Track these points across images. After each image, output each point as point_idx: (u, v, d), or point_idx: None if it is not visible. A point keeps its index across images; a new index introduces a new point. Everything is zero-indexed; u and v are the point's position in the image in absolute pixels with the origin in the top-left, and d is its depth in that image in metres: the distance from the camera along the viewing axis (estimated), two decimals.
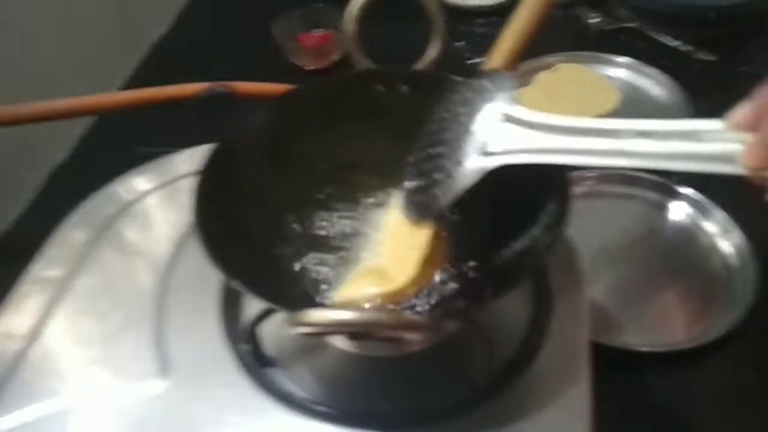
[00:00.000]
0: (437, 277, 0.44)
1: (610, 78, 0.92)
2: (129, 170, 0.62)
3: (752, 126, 0.32)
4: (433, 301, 0.43)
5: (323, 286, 0.46)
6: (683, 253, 0.69)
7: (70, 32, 0.87)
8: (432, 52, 0.53)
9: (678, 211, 0.73)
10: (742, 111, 0.32)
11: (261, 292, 0.38)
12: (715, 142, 0.33)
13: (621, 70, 0.93)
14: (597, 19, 1.04)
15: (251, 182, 0.50)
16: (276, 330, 0.45)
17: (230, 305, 0.49)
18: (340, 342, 0.46)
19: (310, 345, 0.47)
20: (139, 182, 0.60)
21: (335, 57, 0.97)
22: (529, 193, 0.44)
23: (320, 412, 0.44)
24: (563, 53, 0.94)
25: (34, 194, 0.82)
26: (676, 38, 0.98)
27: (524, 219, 0.43)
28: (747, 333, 0.61)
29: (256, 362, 0.46)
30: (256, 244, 0.47)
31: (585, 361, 0.46)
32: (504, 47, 0.46)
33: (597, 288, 0.66)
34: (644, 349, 0.60)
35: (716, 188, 0.72)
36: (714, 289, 0.65)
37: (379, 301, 0.41)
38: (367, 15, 0.62)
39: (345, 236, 0.49)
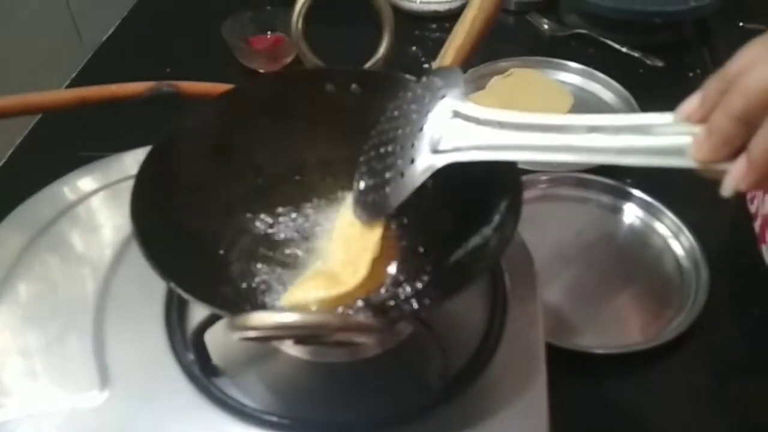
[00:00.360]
0: (388, 279, 0.43)
1: (562, 83, 0.93)
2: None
3: (701, 118, 0.31)
4: (383, 303, 0.41)
5: (269, 290, 0.44)
6: (637, 255, 0.69)
7: (13, 32, 0.83)
8: (382, 50, 0.52)
9: (631, 214, 0.73)
10: (691, 103, 0.32)
11: (199, 295, 0.36)
12: (666, 135, 0.32)
13: (573, 76, 0.94)
14: (548, 25, 1.05)
15: (193, 182, 0.47)
16: (223, 338, 0.43)
17: (175, 313, 0.47)
18: (290, 348, 0.44)
19: (260, 353, 0.45)
20: (83, 182, 0.58)
21: (287, 60, 0.95)
22: (480, 193, 0.43)
23: (271, 422, 0.42)
24: (516, 58, 0.95)
25: None
26: (625, 44, 0.99)
27: (476, 219, 0.42)
28: (700, 333, 0.61)
29: (202, 372, 0.44)
30: (198, 246, 0.45)
31: (541, 363, 0.45)
32: (454, 45, 0.45)
33: (552, 290, 0.66)
34: (599, 351, 0.60)
35: (667, 191, 0.73)
36: (667, 290, 0.66)
37: (328, 304, 0.40)
38: (315, 14, 0.60)
39: (293, 238, 0.48)
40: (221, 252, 0.46)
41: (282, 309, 0.38)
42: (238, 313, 0.32)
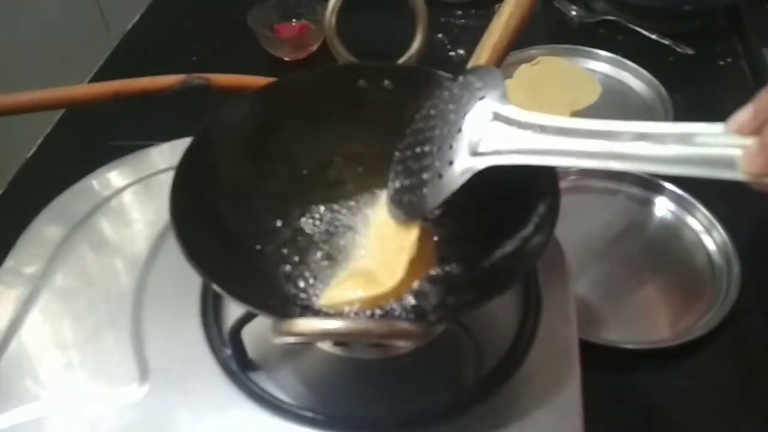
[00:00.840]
0: (426, 280, 0.43)
1: (591, 71, 0.92)
2: (101, 164, 0.60)
3: (754, 130, 0.31)
4: (421, 305, 0.41)
5: (307, 288, 0.44)
6: (667, 249, 0.69)
7: (42, 22, 0.84)
8: (416, 45, 0.52)
9: (662, 207, 0.73)
10: (743, 114, 0.31)
11: (245, 299, 0.36)
12: (716, 146, 0.32)
13: (602, 64, 0.93)
14: (577, 12, 1.04)
15: (231, 179, 0.48)
16: (259, 332, 0.44)
17: (211, 307, 0.48)
18: (325, 345, 0.44)
19: (295, 348, 0.46)
20: (114, 177, 0.58)
21: (313, 48, 0.95)
22: (517, 194, 0.43)
23: (306, 417, 0.42)
24: (544, 46, 0.94)
25: (3, 189, 0.79)
26: (654, 31, 0.98)
27: (513, 220, 0.42)
28: (731, 328, 0.61)
29: (239, 367, 0.44)
30: (236, 243, 0.45)
31: (575, 361, 0.45)
32: (490, 42, 0.45)
33: (581, 283, 0.65)
34: (629, 346, 0.60)
35: (698, 184, 0.72)
36: (698, 284, 0.66)
37: (366, 304, 0.40)
38: (346, 6, 0.60)
39: (329, 236, 0.47)
40: (258, 248, 0.46)
41: (326, 315, 0.38)
42: (283, 317, 0.33)
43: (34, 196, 0.59)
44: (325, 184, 0.50)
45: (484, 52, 0.45)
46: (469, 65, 0.46)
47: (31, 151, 0.84)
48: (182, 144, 0.59)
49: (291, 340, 0.33)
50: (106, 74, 0.95)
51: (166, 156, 0.60)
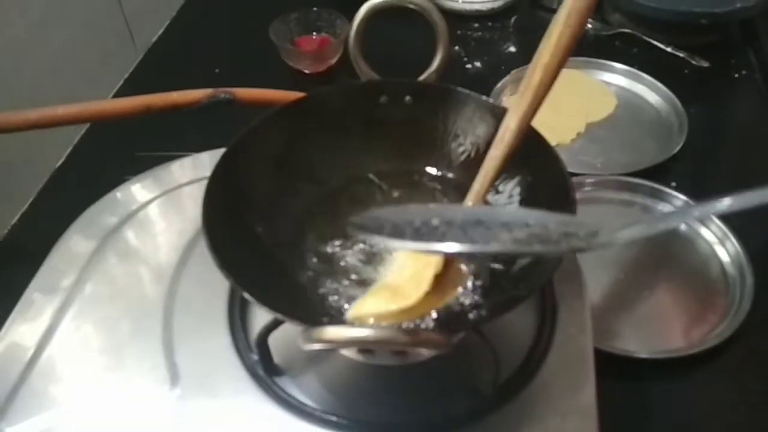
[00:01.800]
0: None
1: (606, 83, 0.93)
2: (128, 175, 0.62)
3: None
4: (445, 317, 0.43)
5: (334, 299, 0.46)
6: (681, 260, 0.70)
7: (66, 34, 0.86)
8: (436, 63, 0.54)
9: None
10: None
11: (276, 307, 0.38)
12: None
13: (617, 76, 0.94)
14: (593, 24, 1.05)
15: (259, 191, 0.50)
16: (284, 338, 0.46)
17: (237, 313, 0.50)
18: (349, 352, 0.46)
19: (319, 355, 0.47)
20: (139, 191, 0.61)
21: (333, 61, 0.97)
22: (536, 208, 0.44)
23: (329, 421, 0.44)
24: None
25: (33, 198, 0.81)
26: (670, 44, 0.99)
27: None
28: (745, 339, 0.62)
29: (265, 371, 0.46)
30: (266, 254, 0.47)
31: (590, 370, 0.47)
32: (542, 63, 0.45)
33: (596, 294, 0.67)
34: (643, 355, 0.61)
35: (711, 195, 0.73)
36: (712, 295, 0.66)
37: (393, 317, 0.41)
38: (368, 23, 0.62)
39: (357, 251, 0.49)
40: (285, 260, 0.48)
41: (353, 324, 0.40)
42: (312, 325, 0.34)
43: (63, 205, 0.61)
44: (351, 199, 0.52)
45: (536, 73, 0.46)
46: (522, 86, 0.47)
47: (60, 161, 0.86)
48: (203, 158, 0.62)
49: (320, 347, 0.34)
50: (132, 85, 0.98)
51: (187, 170, 0.62)
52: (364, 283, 0.47)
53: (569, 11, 0.45)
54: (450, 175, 0.53)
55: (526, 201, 0.47)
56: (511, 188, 0.49)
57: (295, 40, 0.99)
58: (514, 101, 0.46)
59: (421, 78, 0.58)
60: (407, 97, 0.53)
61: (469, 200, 0.46)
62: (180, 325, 0.50)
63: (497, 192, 0.49)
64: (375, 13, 0.66)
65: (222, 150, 0.49)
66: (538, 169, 0.47)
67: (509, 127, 0.46)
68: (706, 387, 0.61)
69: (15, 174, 0.79)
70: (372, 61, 0.71)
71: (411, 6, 0.69)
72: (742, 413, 0.60)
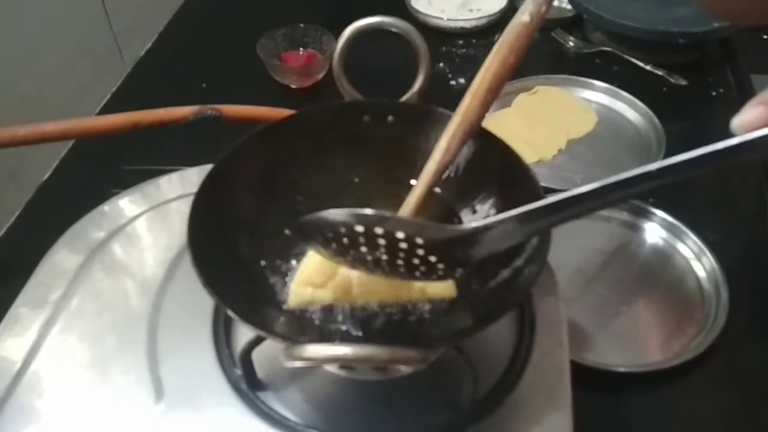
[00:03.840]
0: (427, 306, 0.46)
1: (587, 100, 0.95)
2: (116, 189, 0.63)
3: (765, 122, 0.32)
4: (422, 333, 0.44)
5: (316, 317, 0.47)
6: (658, 275, 0.72)
7: (56, 49, 0.87)
8: (418, 84, 0.55)
9: (653, 234, 0.75)
10: (751, 111, 0.32)
11: (259, 324, 0.39)
12: None
13: (598, 94, 0.96)
14: (574, 42, 1.08)
15: (243, 208, 0.51)
16: (267, 353, 0.46)
17: (222, 329, 0.50)
18: (331, 368, 0.47)
19: (302, 370, 0.48)
20: (127, 205, 0.61)
21: (319, 76, 0.98)
22: None
23: None
24: (542, 76, 0.97)
25: (20, 211, 0.82)
26: (649, 62, 1.01)
27: (507, 251, 0.45)
28: (721, 353, 0.63)
29: (248, 386, 0.47)
30: (248, 270, 0.48)
31: (567, 384, 0.48)
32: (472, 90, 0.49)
33: (574, 308, 0.68)
34: (621, 369, 0.62)
35: (688, 211, 0.75)
36: (688, 309, 0.68)
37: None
38: (353, 43, 0.64)
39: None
40: (269, 275, 0.49)
41: (335, 343, 0.41)
42: (295, 343, 0.35)
43: (50, 218, 0.62)
44: None
45: (466, 98, 0.48)
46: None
47: (47, 174, 0.87)
48: (190, 174, 0.63)
49: (301, 364, 0.35)
50: (120, 99, 0.99)
51: (175, 185, 0.63)
52: None
53: (501, 42, 0.49)
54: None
55: None
56: (487, 208, 0.50)
57: (282, 55, 1.00)
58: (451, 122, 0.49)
59: (404, 98, 0.59)
60: (390, 117, 0.54)
61: (404, 212, 0.48)
62: (165, 340, 0.50)
63: (474, 212, 0.51)
64: (359, 35, 0.68)
65: (210, 166, 0.49)
66: (514, 189, 0.48)
67: (440, 145, 0.49)
68: (684, 400, 0.62)
69: (1, 187, 0.79)
70: (357, 79, 0.72)
71: (394, 30, 0.71)
72: (719, 425, 0.61)
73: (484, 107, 0.48)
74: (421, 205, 0.48)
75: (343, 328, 0.46)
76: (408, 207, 0.48)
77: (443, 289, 0.47)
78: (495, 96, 0.49)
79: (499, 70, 0.48)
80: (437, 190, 0.53)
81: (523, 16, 0.48)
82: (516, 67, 0.49)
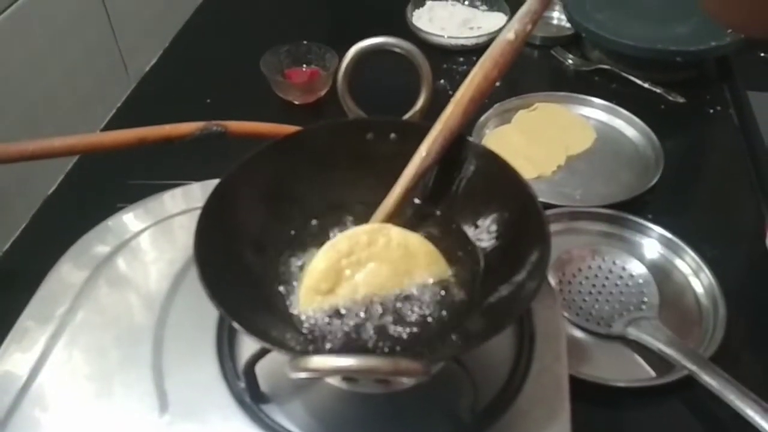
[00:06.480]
0: (431, 321, 0.47)
1: (586, 118, 0.96)
2: (121, 203, 0.64)
3: None
4: (424, 347, 0.45)
5: (325, 335, 0.47)
6: (658, 291, 0.72)
7: (65, 67, 0.88)
8: (420, 103, 0.56)
9: (652, 250, 0.76)
10: None
11: (265, 337, 0.40)
12: None
13: (596, 111, 0.97)
14: (573, 60, 1.09)
15: (248, 223, 0.52)
16: (271, 366, 0.47)
17: (226, 342, 0.51)
18: (334, 380, 0.48)
19: (304, 382, 0.49)
20: (132, 220, 0.62)
21: (322, 92, 1.00)
22: (511, 242, 0.46)
23: None
24: (541, 93, 0.98)
25: (25, 224, 0.83)
26: (647, 80, 1.03)
27: (507, 267, 0.46)
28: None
29: (252, 399, 0.48)
30: (253, 284, 0.49)
31: (566, 398, 0.48)
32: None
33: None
34: (620, 384, 0.63)
35: (686, 227, 0.76)
36: (686, 325, 0.68)
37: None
38: (359, 63, 0.65)
39: None
40: (275, 288, 0.50)
41: (340, 354, 0.42)
42: (300, 355, 0.36)
43: (55, 232, 0.63)
44: (337, 227, 0.54)
45: (449, 106, 0.51)
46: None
47: (53, 188, 0.88)
48: (194, 189, 0.64)
49: (306, 375, 0.36)
50: (125, 114, 1.00)
51: (178, 200, 0.64)
52: None
53: (486, 56, 0.51)
54: (434, 207, 0.55)
55: (503, 236, 0.49)
56: (488, 224, 0.51)
57: (285, 71, 1.01)
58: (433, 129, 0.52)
59: (406, 116, 0.60)
60: (392, 134, 0.55)
61: (376, 219, 0.51)
62: (169, 353, 0.51)
63: (476, 227, 0.52)
64: (363, 55, 0.69)
65: (213, 181, 0.50)
66: (513, 205, 0.49)
67: (420, 151, 0.51)
68: (680, 415, 0.63)
69: (7, 201, 0.80)
70: (360, 97, 0.73)
71: (397, 50, 0.73)
72: None
73: (466, 116, 0.51)
74: (398, 207, 0.50)
75: (351, 338, 0.47)
76: (384, 209, 0.51)
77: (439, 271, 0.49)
78: (476, 106, 0.51)
79: (482, 82, 0.50)
80: (434, 208, 0.54)
81: (509, 34, 0.50)
82: (498, 80, 0.51)
